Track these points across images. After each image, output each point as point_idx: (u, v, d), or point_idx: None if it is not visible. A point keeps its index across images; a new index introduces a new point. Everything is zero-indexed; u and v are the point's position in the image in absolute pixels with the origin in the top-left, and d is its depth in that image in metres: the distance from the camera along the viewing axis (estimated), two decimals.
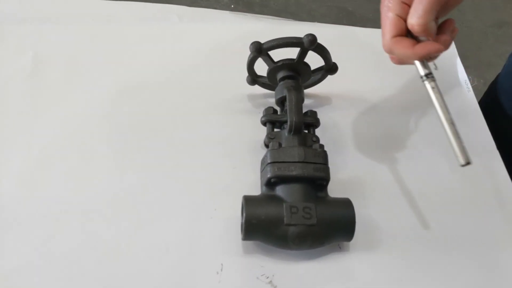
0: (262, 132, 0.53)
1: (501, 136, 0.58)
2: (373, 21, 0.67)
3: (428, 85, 0.42)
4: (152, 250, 0.46)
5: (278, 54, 0.52)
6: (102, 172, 0.51)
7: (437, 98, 0.42)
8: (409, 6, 0.43)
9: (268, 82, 0.56)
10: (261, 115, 0.53)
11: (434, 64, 0.43)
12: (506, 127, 0.64)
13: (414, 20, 0.42)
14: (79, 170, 0.51)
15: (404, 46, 0.43)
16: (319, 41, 0.50)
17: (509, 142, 0.59)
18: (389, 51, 0.45)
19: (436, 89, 0.42)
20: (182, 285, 0.44)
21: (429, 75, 0.42)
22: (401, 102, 0.60)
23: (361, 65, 0.63)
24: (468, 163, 0.40)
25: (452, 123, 0.41)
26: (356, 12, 1.83)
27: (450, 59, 0.66)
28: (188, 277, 0.45)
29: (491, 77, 0.73)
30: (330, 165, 0.47)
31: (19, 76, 0.59)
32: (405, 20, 0.43)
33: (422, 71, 0.43)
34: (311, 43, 0.49)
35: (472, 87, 0.63)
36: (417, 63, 0.43)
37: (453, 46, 0.67)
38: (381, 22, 0.45)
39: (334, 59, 0.53)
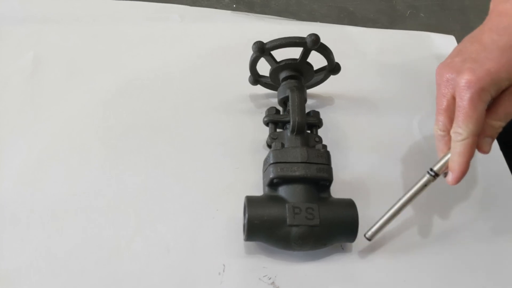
0: (264, 132, 0.53)
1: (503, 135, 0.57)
2: (374, 21, 0.67)
3: (426, 179, 0.44)
4: (153, 251, 0.46)
5: (280, 54, 0.52)
6: (103, 173, 0.51)
7: (417, 190, 0.45)
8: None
9: (270, 82, 0.55)
10: (264, 115, 0.53)
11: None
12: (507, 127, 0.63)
13: (500, 124, 0.42)
14: (79, 170, 0.51)
15: (469, 156, 0.42)
16: (324, 41, 0.50)
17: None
18: (441, 137, 0.45)
19: (426, 187, 0.45)
20: (183, 286, 0.44)
21: (436, 175, 0.44)
22: (404, 102, 0.60)
23: (364, 66, 0.63)
24: (369, 239, 0.46)
25: (398, 211, 0.45)
26: (357, 13, 1.83)
27: None
28: (189, 277, 0.45)
29: None
30: (333, 165, 0.47)
31: (20, 76, 0.59)
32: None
33: (437, 168, 0.44)
34: (314, 43, 0.49)
35: None
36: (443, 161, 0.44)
37: (454, 45, 0.67)
38: (465, 105, 0.41)
39: (337, 59, 0.53)
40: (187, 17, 0.69)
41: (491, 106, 0.42)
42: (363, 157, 0.54)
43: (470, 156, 0.42)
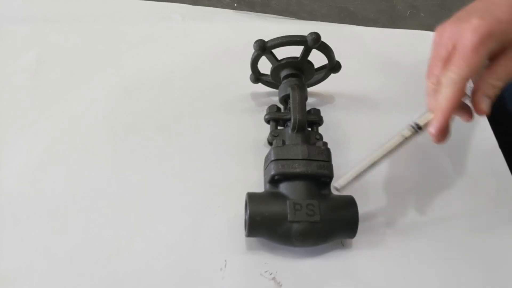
0: (265, 130, 0.53)
1: (506, 140, 0.58)
2: (375, 21, 0.68)
3: (407, 132, 0.43)
4: (156, 248, 0.46)
5: (281, 53, 0.52)
6: (105, 171, 0.51)
7: (397, 144, 0.43)
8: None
9: (271, 81, 0.56)
10: (265, 113, 0.53)
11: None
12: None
13: (499, 83, 0.40)
14: (80, 169, 0.51)
15: (457, 99, 0.41)
16: (324, 40, 0.50)
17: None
18: (433, 89, 0.42)
19: (406, 140, 0.43)
20: (186, 282, 0.44)
21: (419, 128, 0.42)
22: (404, 101, 0.60)
23: (364, 64, 0.64)
24: (337, 189, 0.43)
25: (372, 165, 0.43)
26: (357, 13, 1.83)
27: None
28: (192, 273, 0.45)
29: None
30: (333, 163, 0.47)
31: (22, 75, 0.59)
32: None
33: (420, 122, 0.43)
34: (315, 42, 0.49)
35: None
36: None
37: None
38: (465, 48, 0.40)
39: (337, 58, 0.53)
40: (188, 17, 0.70)
41: (492, 65, 0.41)
42: (363, 154, 0.54)
43: (455, 103, 0.40)
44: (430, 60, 0.43)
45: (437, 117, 0.41)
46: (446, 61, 0.41)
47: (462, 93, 0.40)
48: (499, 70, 0.40)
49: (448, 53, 0.41)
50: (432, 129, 0.41)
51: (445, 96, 0.40)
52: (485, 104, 0.41)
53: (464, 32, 0.39)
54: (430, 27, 0.70)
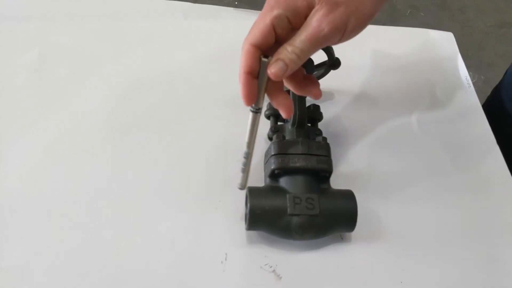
0: (265, 126, 0.54)
1: (505, 141, 0.58)
2: (375, 20, 0.68)
3: (251, 116, 0.43)
4: (159, 241, 0.47)
5: None
6: (107, 168, 0.52)
7: (251, 130, 0.43)
8: (291, 24, 0.39)
9: None
10: (265, 109, 0.54)
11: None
12: (510, 132, 0.64)
13: (293, 48, 0.38)
14: (82, 167, 0.52)
15: (247, 64, 0.39)
16: None
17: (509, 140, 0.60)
18: (240, 57, 0.41)
19: (256, 122, 0.43)
20: (187, 274, 0.45)
21: (258, 110, 0.42)
22: (402, 97, 0.61)
23: (363, 62, 0.64)
24: (242, 189, 0.46)
25: (250, 157, 0.44)
26: None
27: (452, 56, 0.67)
28: (193, 266, 0.46)
29: (492, 77, 0.74)
30: (333, 158, 0.48)
31: (25, 72, 0.60)
32: (276, 35, 0.39)
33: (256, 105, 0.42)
34: None
35: (473, 83, 0.64)
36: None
37: (453, 42, 0.68)
38: (256, 21, 0.40)
39: (338, 55, 0.54)
40: (190, 15, 0.70)
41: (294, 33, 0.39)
42: (363, 150, 0.55)
43: (246, 67, 0.39)
44: None
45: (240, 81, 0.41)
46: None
47: (250, 58, 0.39)
48: (295, 38, 0.39)
49: None
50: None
51: (240, 60, 0.40)
52: (276, 68, 0.39)
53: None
54: (429, 27, 0.71)
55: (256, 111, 0.42)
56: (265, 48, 0.40)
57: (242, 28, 0.66)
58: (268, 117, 0.53)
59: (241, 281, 0.45)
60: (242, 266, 0.46)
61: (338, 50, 0.54)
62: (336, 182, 0.49)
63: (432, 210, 0.51)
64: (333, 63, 0.55)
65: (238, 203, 0.49)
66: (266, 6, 0.39)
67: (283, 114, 0.42)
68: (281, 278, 0.45)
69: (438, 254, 0.48)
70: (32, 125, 0.55)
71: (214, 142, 0.55)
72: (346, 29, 0.39)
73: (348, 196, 0.47)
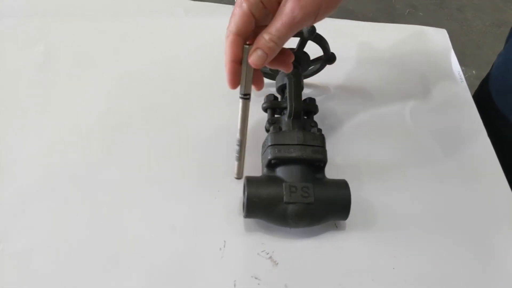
0: (263, 119, 0.55)
1: (494, 133, 0.59)
2: (374, 20, 0.70)
3: (241, 102, 0.46)
4: (159, 229, 0.48)
5: None
6: (110, 158, 0.54)
7: (242, 117, 0.47)
8: (266, 8, 0.41)
9: (269, 71, 0.58)
10: (262, 102, 0.56)
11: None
12: (498, 124, 0.65)
13: (270, 36, 0.40)
14: (86, 159, 0.53)
15: (232, 51, 0.42)
16: (321, 33, 0.53)
17: (503, 139, 0.61)
18: (225, 47, 0.43)
19: (246, 109, 0.46)
20: (187, 261, 0.47)
21: (247, 96, 0.45)
22: (396, 91, 0.63)
23: (359, 57, 0.66)
24: (239, 178, 0.51)
25: (243, 144, 0.48)
26: (357, 11, 1.86)
27: (444, 51, 0.68)
28: (193, 253, 0.47)
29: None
30: (328, 150, 0.50)
31: (31, 67, 0.62)
32: (255, 20, 0.41)
33: (243, 91, 0.45)
34: (310, 33, 0.51)
35: (465, 77, 0.65)
36: (242, 81, 0.44)
37: (446, 38, 0.70)
38: (233, 10, 0.42)
39: (334, 51, 0.56)
40: (191, 11, 0.72)
41: (271, 20, 0.41)
42: (357, 142, 0.57)
43: (232, 55, 0.42)
44: None
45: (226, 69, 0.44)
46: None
47: (235, 47, 0.42)
48: (270, 24, 0.41)
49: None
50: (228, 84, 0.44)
51: (225, 51, 0.43)
52: (256, 57, 0.41)
53: None
54: (428, 26, 0.72)
55: (245, 98, 0.45)
56: (248, 35, 0.42)
57: None
58: (265, 109, 0.55)
59: (239, 267, 0.46)
60: (240, 252, 0.47)
61: (334, 45, 0.56)
62: (331, 172, 0.51)
63: (423, 198, 0.52)
64: (328, 58, 0.56)
65: (236, 193, 0.50)
66: None
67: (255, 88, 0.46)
68: (277, 264, 0.47)
69: (429, 241, 0.49)
70: (37, 118, 0.57)
71: (214, 133, 0.57)
72: (319, 13, 0.41)
73: (342, 185, 0.48)
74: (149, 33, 0.68)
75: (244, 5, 0.41)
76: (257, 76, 0.47)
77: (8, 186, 0.51)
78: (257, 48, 0.41)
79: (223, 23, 0.70)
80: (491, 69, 0.69)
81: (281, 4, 0.40)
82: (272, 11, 0.41)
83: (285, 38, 0.41)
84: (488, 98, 0.67)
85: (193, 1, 0.74)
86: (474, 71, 1.47)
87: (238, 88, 0.45)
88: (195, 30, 0.69)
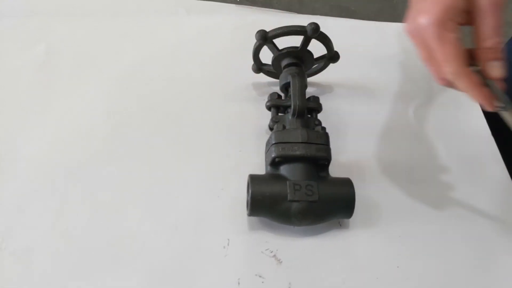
0: (266, 118, 0.55)
1: (498, 130, 0.59)
2: (375, 19, 0.71)
3: (504, 114, 0.42)
4: (164, 227, 0.48)
5: (282, 44, 0.54)
6: (114, 157, 0.54)
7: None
8: (462, 24, 0.39)
9: (272, 70, 0.58)
10: (266, 101, 0.56)
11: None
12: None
13: (492, 42, 0.38)
14: (89, 154, 0.53)
15: (475, 84, 0.39)
16: (324, 32, 0.52)
17: (503, 131, 0.61)
18: (449, 84, 0.41)
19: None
20: (191, 259, 0.47)
21: (502, 107, 0.41)
22: (400, 90, 0.63)
23: (362, 56, 0.66)
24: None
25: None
26: (358, 12, 1.85)
27: None
28: (197, 251, 0.47)
29: None
30: (332, 148, 0.50)
31: (32, 66, 0.62)
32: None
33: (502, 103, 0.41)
34: (314, 31, 0.51)
35: None
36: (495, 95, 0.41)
37: None
38: (435, 43, 0.39)
39: (336, 49, 0.56)
40: (193, 11, 0.72)
41: (475, 30, 0.40)
42: (361, 141, 0.57)
43: (474, 84, 0.39)
44: (425, 64, 0.43)
45: (482, 103, 0.41)
46: (434, 60, 0.41)
47: (471, 74, 0.39)
48: (484, 29, 0.39)
49: (429, 53, 0.40)
50: (488, 108, 0.41)
51: (465, 88, 0.40)
52: (495, 68, 0.39)
53: (422, 31, 0.39)
54: None
55: (504, 109, 0.41)
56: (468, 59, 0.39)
57: (245, 24, 0.69)
58: (269, 108, 0.55)
59: (243, 265, 0.46)
60: (244, 251, 0.47)
61: (337, 44, 0.56)
62: (335, 170, 0.51)
63: (427, 197, 0.52)
64: (332, 56, 0.56)
65: (239, 191, 0.50)
66: (433, 17, 0.38)
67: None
68: (281, 262, 0.47)
69: (433, 239, 0.49)
70: (37, 118, 0.57)
71: (218, 131, 0.57)
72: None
73: (346, 184, 0.48)
74: (150, 33, 0.68)
75: (450, 36, 0.38)
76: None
77: (9, 185, 0.51)
78: (488, 60, 0.39)
79: (224, 22, 0.71)
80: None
81: (476, 11, 0.38)
82: (468, 22, 0.39)
83: (501, 34, 0.38)
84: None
85: (194, 0, 0.74)
86: None
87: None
88: (196, 29, 0.69)
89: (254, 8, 0.75)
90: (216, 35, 0.68)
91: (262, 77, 0.61)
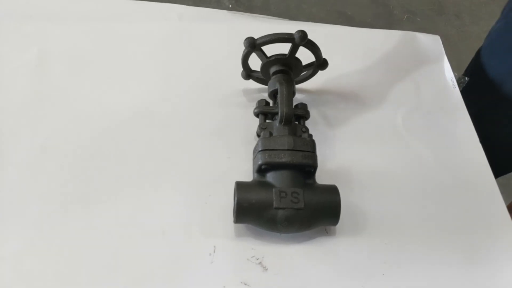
0: (255, 124, 0.55)
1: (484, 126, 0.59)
2: (372, 26, 0.71)
3: None
4: (150, 233, 0.48)
5: (271, 51, 0.55)
6: (103, 160, 0.53)
7: None
8: None
9: (261, 77, 0.58)
10: (254, 107, 0.56)
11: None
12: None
13: None
14: (81, 161, 0.53)
15: None
16: (314, 39, 0.53)
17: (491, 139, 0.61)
18: None
19: None
20: (177, 266, 0.47)
21: None
22: (388, 97, 0.63)
23: (352, 63, 0.66)
24: None
25: None
26: (355, 17, 1.86)
27: (437, 57, 0.68)
28: (183, 257, 0.47)
29: None
30: (319, 155, 0.50)
31: (24, 71, 0.62)
32: None
33: None
34: (301, 39, 0.52)
35: (461, 83, 0.65)
36: None
37: (440, 45, 0.70)
38: None
39: (326, 56, 0.56)
40: (185, 17, 0.72)
41: None
42: (348, 147, 0.57)
43: None
44: None
45: None
46: None
47: None
48: None
49: None
50: None
51: None
52: None
53: None
54: (426, 31, 0.73)
55: None
56: None
57: (236, 30, 0.69)
58: (257, 115, 0.55)
59: (229, 272, 0.46)
60: (230, 258, 0.47)
61: (328, 52, 0.56)
62: (322, 177, 0.51)
63: (414, 205, 0.52)
64: (320, 63, 0.57)
65: (226, 198, 0.50)
66: None
67: None
68: (267, 269, 0.47)
69: (419, 247, 0.49)
70: (31, 121, 0.57)
71: (206, 137, 0.57)
72: None
73: (332, 191, 0.48)
74: (144, 38, 0.68)
75: None
76: None
77: (3, 189, 0.50)
78: None
79: (216, 28, 0.71)
80: (485, 40, 0.68)
81: None
82: None
83: None
84: (483, 68, 0.65)
85: (187, 6, 0.74)
86: (467, 78, 1.47)
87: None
88: (189, 35, 0.69)
89: (246, 14, 0.75)
90: (208, 42, 0.68)
91: (252, 84, 0.61)
